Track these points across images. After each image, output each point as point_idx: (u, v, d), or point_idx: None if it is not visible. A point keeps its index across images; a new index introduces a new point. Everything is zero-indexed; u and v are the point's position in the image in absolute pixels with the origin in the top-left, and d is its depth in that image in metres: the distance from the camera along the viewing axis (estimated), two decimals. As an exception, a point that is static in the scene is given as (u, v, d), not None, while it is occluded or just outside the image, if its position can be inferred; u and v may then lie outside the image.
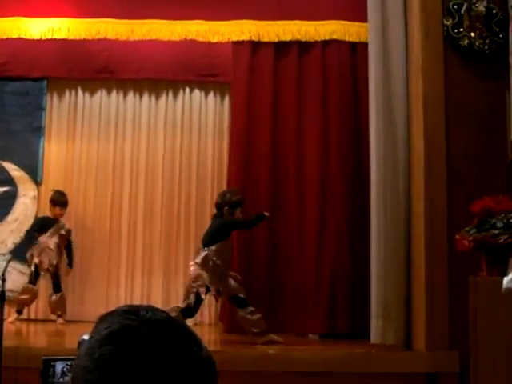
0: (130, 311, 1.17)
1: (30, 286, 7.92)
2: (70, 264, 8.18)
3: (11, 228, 8.43)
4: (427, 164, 6.01)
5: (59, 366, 1.48)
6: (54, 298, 8.01)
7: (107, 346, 1.10)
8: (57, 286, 8.06)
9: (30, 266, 7.99)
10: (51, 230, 8.12)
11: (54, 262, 8.00)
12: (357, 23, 7.72)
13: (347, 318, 7.21)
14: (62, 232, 8.13)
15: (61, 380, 1.47)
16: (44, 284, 8.19)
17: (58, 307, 8.02)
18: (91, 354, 1.11)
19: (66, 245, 8.17)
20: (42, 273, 8.00)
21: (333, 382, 5.58)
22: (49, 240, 8.07)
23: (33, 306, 8.27)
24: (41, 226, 8.18)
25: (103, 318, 1.19)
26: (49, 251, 8.01)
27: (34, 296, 8.02)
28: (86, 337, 1.43)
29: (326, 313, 7.26)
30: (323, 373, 5.61)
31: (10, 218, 8.45)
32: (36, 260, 7.93)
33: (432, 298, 5.87)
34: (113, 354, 1.09)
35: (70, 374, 1.43)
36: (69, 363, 1.43)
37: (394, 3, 6.75)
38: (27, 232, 8.32)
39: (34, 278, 7.96)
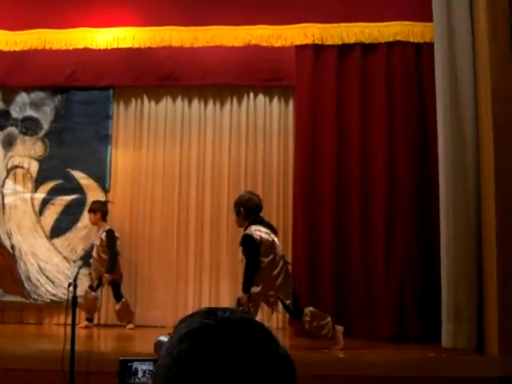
0: (209, 311, 1.18)
1: (88, 290, 8.02)
2: (108, 270, 8.07)
3: (81, 235, 8.58)
4: (497, 162, 5.89)
5: (135, 367, 1.50)
6: (117, 307, 8.12)
7: (185, 343, 1.11)
8: (117, 294, 8.13)
9: (90, 273, 8.17)
10: (93, 240, 8.30)
11: (102, 270, 8.09)
12: (421, 23, 7.66)
13: (417, 322, 7.11)
14: (97, 242, 8.20)
15: (136, 381, 1.48)
16: (109, 291, 8.31)
17: (124, 315, 8.12)
18: (170, 353, 1.13)
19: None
20: (97, 281, 8.12)
21: (405, 386, 5.51)
22: (93, 250, 8.24)
23: (102, 311, 8.39)
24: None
25: (184, 319, 1.20)
26: (93, 261, 8.17)
27: (93, 301, 8.09)
28: (162, 337, 1.43)
29: (395, 316, 7.18)
30: (395, 377, 5.53)
31: (79, 225, 8.61)
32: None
33: (505, 299, 5.74)
34: (191, 351, 1.10)
35: (147, 375, 1.45)
36: (148, 364, 1.45)
37: (459, 1, 6.64)
38: None
39: (96, 284, 8.10)
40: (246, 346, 1.11)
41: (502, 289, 5.76)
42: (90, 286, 8.05)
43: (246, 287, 6.33)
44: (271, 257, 6.37)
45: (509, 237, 5.80)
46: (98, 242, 8.17)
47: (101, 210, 8.29)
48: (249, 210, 6.55)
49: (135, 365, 1.49)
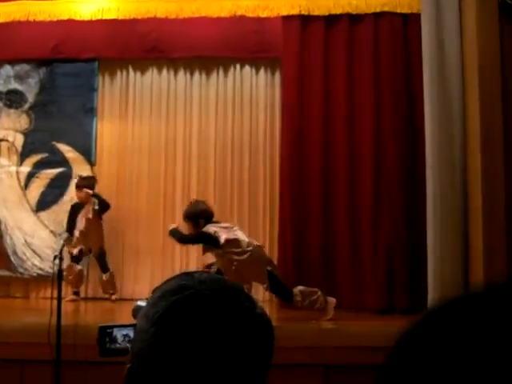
0: (186, 274, 1.19)
1: (71, 264, 7.96)
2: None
3: (66, 208, 8.48)
4: (483, 136, 5.88)
5: (115, 334, 1.49)
6: (103, 278, 8.16)
7: (161, 303, 1.10)
8: (103, 266, 8.16)
9: (73, 247, 8.04)
10: (81, 214, 8.21)
11: (90, 244, 8.08)
12: (408, -6, 7.60)
13: (404, 294, 7.13)
14: (89, 215, 8.14)
15: (117, 346, 1.47)
16: (94, 263, 8.31)
17: (109, 286, 8.17)
18: (146, 315, 1.12)
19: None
20: (85, 255, 8.13)
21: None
22: (80, 225, 8.16)
23: (89, 284, 8.37)
24: (72, 212, 8.28)
25: (160, 285, 1.20)
26: (81, 236, 8.07)
27: (79, 274, 8.08)
28: (140, 303, 1.42)
29: (382, 289, 7.19)
30: (383, 347, 5.52)
31: (65, 198, 8.55)
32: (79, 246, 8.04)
33: (490, 272, 5.76)
34: (167, 310, 1.10)
35: (127, 340, 1.45)
36: (128, 329, 1.44)
37: (446, -28, 6.60)
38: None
39: (77, 258, 8.07)
40: (223, 304, 1.11)
41: (488, 261, 5.78)
42: (75, 260, 8.01)
43: (180, 238, 6.83)
44: (234, 248, 6.38)
45: (495, 209, 5.82)
46: (91, 216, 8.12)
47: (94, 187, 8.24)
48: (207, 219, 6.64)
49: (115, 331, 1.48)
